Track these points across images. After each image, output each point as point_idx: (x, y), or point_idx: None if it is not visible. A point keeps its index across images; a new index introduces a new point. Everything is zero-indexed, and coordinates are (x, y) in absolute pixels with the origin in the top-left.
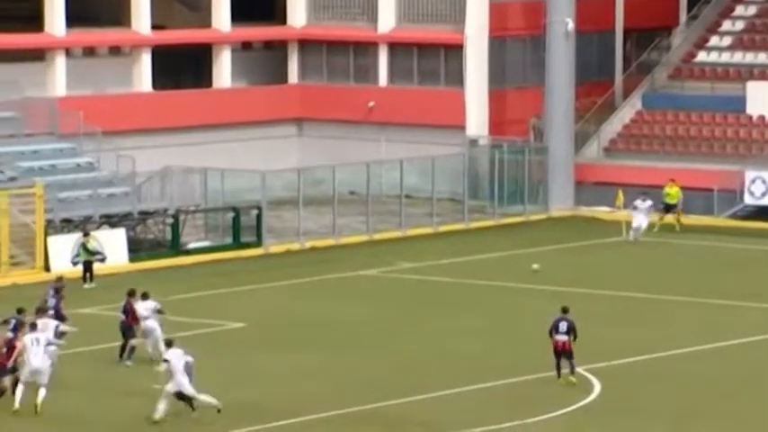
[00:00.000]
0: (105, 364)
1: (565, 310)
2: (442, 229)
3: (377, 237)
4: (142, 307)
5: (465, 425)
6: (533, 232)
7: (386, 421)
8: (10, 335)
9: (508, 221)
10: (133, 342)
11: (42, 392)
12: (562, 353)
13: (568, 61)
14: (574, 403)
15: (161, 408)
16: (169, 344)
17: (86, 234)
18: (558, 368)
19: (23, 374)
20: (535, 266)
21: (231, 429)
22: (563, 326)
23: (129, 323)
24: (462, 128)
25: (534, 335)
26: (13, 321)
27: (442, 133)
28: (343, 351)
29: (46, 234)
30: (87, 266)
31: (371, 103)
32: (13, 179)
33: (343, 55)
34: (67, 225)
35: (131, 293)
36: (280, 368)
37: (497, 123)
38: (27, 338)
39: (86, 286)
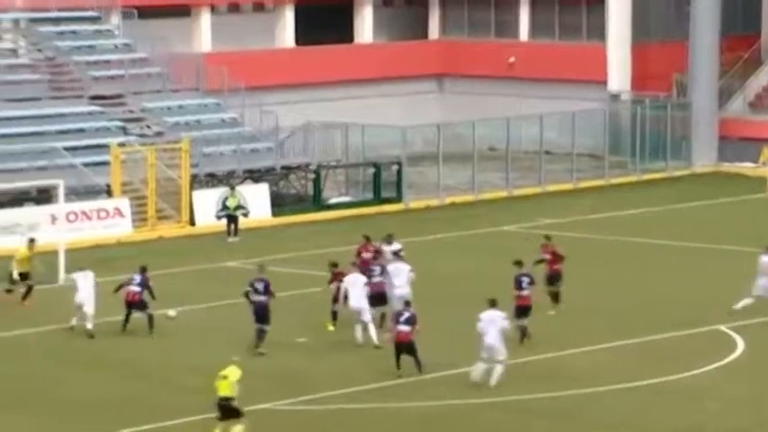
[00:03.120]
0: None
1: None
2: (582, 184)
3: (516, 192)
4: (388, 250)
5: (608, 381)
6: (675, 188)
7: (534, 375)
8: None
9: (650, 177)
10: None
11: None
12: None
13: (713, 14)
14: (717, 361)
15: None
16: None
17: (232, 188)
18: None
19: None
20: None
21: (376, 382)
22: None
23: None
24: (604, 83)
25: (677, 291)
26: None
27: (582, 88)
28: (483, 306)
29: (191, 188)
30: (232, 220)
31: (512, 59)
32: (159, 134)
33: (485, 10)
34: (212, 180)
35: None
36: (421, 322)
37: (639, 78)
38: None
39: (230, 240)
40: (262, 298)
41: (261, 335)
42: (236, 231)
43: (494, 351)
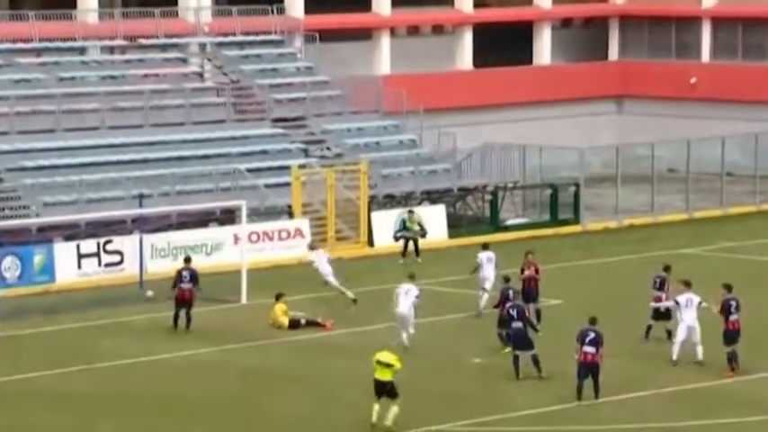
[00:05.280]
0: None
1: (507, 279)
2: (766, 207)
3: (697, 215)
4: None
5: None
6: None
7: (712, 400)
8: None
9: None
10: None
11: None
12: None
13: None
14: None
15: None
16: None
17: (411, 211)
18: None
19: None
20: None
21: (554, 405)
22: (512, 294)
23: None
24: None
25: None
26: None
27: (766, 110)
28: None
29: (369, 209)
30: (409, 241)
31: (694, 79)
32: (339, 155)
33: (665, 30)
34: (390, 201)
35: None
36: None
37: None
38: None
39: (405, 260)
40: (519, 324)
41: (535, 361)
42: (417, 252)
43: None
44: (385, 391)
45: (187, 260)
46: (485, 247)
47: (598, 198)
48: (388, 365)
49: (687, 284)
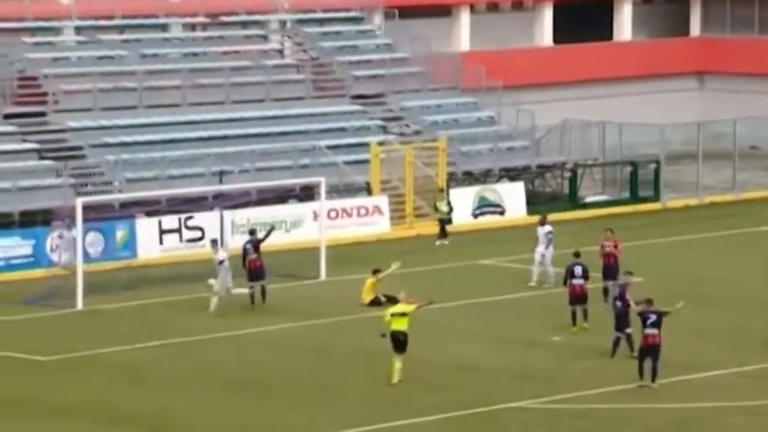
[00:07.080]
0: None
1: (577, 254)
2: None
3: None
4: (541, 231)
5: None
6: None
7: None
8: None
9: None
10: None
11: None
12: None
13: None
14: None
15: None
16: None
17: (441, 191)
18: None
19: None
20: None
21: (631, 383)
22: (578, 270)
23: None
24: None
25: None
26: None
27: None
28: (741, 309)
29: (448, 186)
30: (442, 223)
31: None
32: (417, 132)
33: (748, 6)
34: (468, 178)
35: None
36: (675, 323)
37: None
38: None
39: (437, 243)
40: (619, 304)
41: (628, 339)
42: (444, 234)
43: None
44: (403, 342)
45: (251, 233)
46: (544, 221)
47: (678, 175)
48: (404, 314)
49: None
